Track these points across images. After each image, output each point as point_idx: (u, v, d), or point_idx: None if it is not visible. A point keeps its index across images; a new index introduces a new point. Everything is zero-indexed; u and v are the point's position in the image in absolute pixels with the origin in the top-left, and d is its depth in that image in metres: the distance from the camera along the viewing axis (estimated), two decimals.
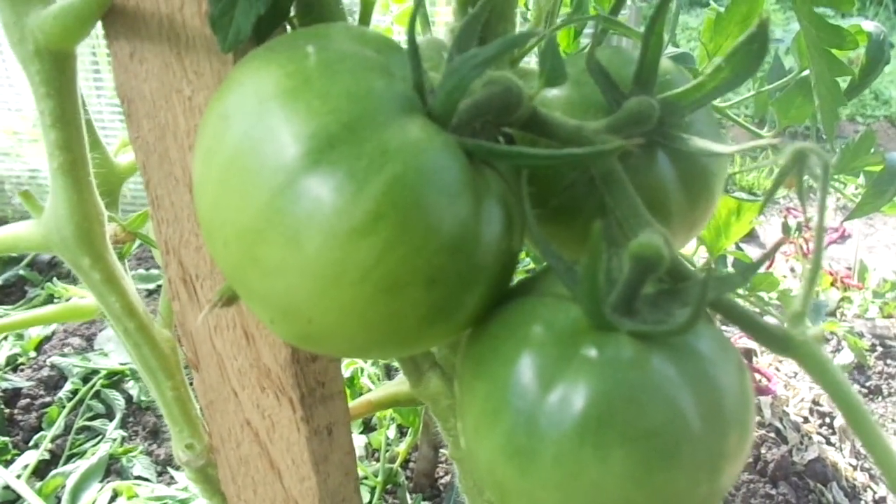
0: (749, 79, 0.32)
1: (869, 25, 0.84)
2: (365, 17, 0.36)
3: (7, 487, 1.16)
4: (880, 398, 1.59)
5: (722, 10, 0.91)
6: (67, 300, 0.45)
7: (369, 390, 1.43)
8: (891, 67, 4.00)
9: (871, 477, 1.32)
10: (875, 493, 1.28)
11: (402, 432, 1.46)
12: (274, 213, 0.24)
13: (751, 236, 2.17)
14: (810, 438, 1.35)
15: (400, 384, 0.49)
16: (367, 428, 1.48)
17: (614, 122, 0.30)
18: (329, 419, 0.43)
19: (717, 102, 1.28)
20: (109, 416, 1.42)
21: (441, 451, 1.42)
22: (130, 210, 0.49)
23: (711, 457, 0.25)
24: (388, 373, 1.45)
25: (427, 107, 0.26)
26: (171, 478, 1.30)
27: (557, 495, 0.25)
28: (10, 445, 1.34)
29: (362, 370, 1.33)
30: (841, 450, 1.36)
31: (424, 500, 1.39)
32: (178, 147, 0.34)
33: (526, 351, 0.26)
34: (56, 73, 0.33)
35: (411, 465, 1.44)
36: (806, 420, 1.41)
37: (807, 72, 0.96)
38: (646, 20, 0.33)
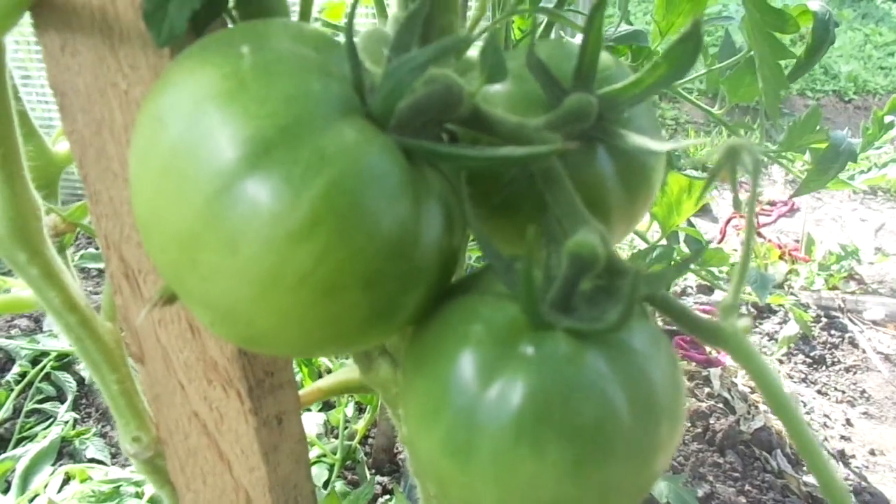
0: (689, 69, 0.33)
1: (814, 5, 0.86)
2: (306, 12, 0.35)
3: None
4: (824, 367, 1.65)
5: None
6: (7, 291, 0.44)
7: (328, 370, 1.43)
8: (839, 43, 4.09)
9: None
10: None
11: (360, 409, 1.46)
12: (210, 218, 0.23)
13: (704, 210, 2.22)
14: (756, 408, 1.40)
15: (350, 371, 0.50)
16: (326, 406, 1.49)
17: (554, 119, 0.31)
18: (278, 409, 0.44)
19: None
20: (61, 398, 1.39)
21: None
22: (76, 193, 0.48)
23: (643, 449, 0.26)
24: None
25: (366, 106, 0.26)
26: (127, 459, 1.29)
27: (496, 490, 0.25)
28: None
29: None
30: None
31: (384, 475, 1.40)
32: (115, 142, 0.33)
33: (465, 349, 0.26)
34: None
35: (370, 441, 1.45)
36: (753, 390, 1.46)
37: None
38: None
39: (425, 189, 0.27)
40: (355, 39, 0.27)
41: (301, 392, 0.49)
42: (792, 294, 1.84)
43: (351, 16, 0.27)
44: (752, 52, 0.98)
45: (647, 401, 0.26)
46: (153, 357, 0.40)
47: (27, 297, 0.44)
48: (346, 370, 0.50)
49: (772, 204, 2.40)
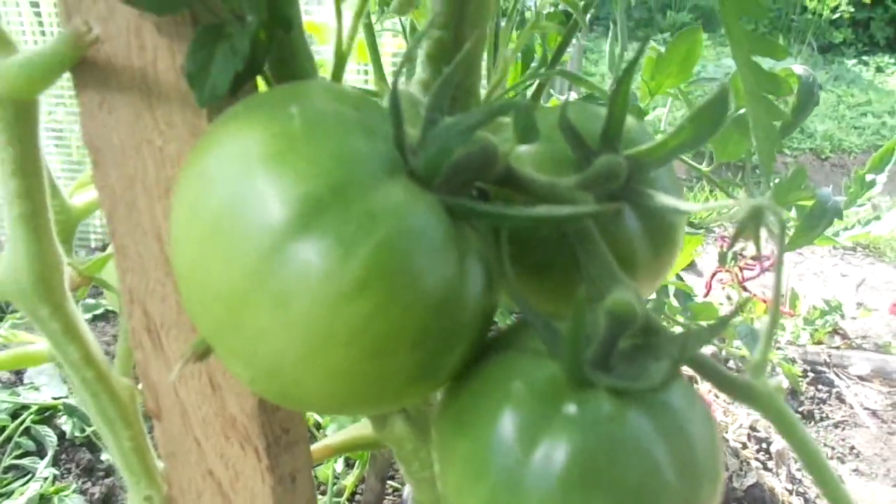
0: (713, 134, 0.34)
1: (799, 69, 0.89)
2: (337, 73, 0.36)
3: None
4: (812, 423, 1.66)
5: (662, 49, 0.95)
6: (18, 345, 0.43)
7: (316, 423, 1.41)
8: None
9: (806, 501, 1.37)
10: None
11: (349, 465, 1.44)
12: (261, 277, 0.23)
13: (688, 265, 2.24)
14: (749, 464, 1.39)
15: (362, 427, 0.49)
16: None
17: (585, 179, 0.31)
18: (293, 466, 0.43)
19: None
20: (41, 453, 1.35)
21: (388, 482, 1.41)
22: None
23: None
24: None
25: (408, 165, 0.27)
26: None
27: None
28: None
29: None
30: (777, 475, 1.41)
31: None
32: (146, 196, 0.34)
33: (507, 409, 0.26)
34: (18, 121, 0.32)
35: (357, 498, 1.42)
36: (744, 446, 1.46)
37: (743, 110, 1.01)
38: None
39: (466, 246, 0.27)
40: (385, 100, 0.28)
41: (311, 448, 0.48)
42: (779, 348, 1.85)
43: (397, 74, 0.27)
44: (738, 112, 1.01)
45: (689, 460, 0.26)
46: (171, 413, 0.39)
47: (37, 350, 0.43)
48: (357, 426, 0.49)
49: (755, 259, 2.43)
